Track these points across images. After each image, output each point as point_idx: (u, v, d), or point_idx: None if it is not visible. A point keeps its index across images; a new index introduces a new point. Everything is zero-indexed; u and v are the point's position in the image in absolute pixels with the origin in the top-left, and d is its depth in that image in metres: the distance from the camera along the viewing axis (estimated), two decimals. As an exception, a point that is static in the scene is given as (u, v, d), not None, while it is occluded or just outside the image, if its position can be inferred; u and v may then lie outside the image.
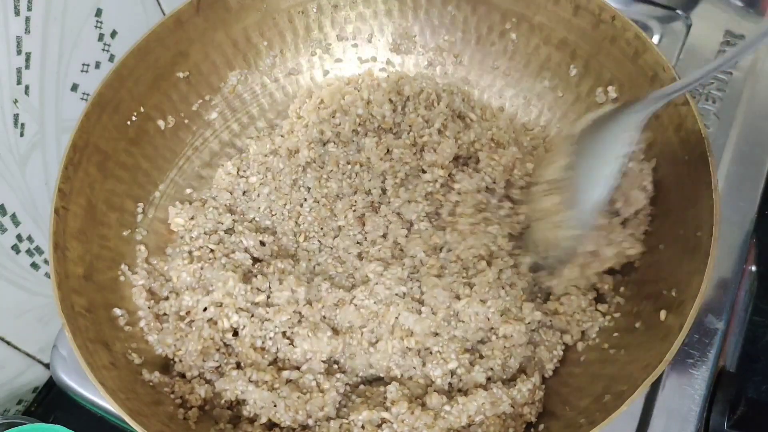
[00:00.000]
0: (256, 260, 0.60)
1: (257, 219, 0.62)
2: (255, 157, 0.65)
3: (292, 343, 0.54)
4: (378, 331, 0.54)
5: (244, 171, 0.65)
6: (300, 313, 0.55)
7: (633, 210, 0.55)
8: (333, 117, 0.65)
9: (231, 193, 0.64)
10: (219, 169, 0.65)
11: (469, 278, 0.56)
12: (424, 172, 0.62)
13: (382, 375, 0.54)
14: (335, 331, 0.55)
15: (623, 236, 0.55)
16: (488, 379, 0.52)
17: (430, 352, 0.53)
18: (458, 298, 0.55)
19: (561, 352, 0.54)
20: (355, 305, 0.55)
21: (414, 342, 0.53)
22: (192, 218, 0.61)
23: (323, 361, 0.53)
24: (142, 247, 0.59)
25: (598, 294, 0.56)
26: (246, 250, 0.59)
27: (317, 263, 0.60)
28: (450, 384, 0.53)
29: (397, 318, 0.54)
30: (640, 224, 0.55)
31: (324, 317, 0.55)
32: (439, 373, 0.52)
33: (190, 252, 0.59)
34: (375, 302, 0.55)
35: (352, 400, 0.52)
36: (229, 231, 0.61)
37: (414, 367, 0.53)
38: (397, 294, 0.55)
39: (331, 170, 0.63)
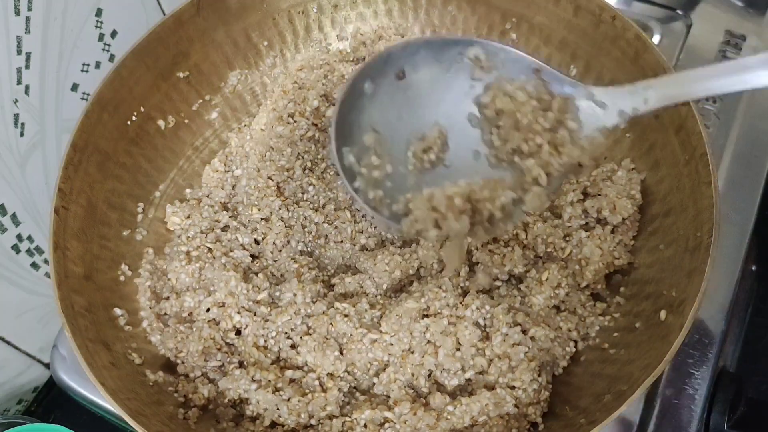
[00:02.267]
0: (254, 257, 0.60)
1: (246, 215, 0.62)
2: (237, 150, 0.65)
3: (294, 348, 0.54)
4: (391, 361, 0.53)
5: (229, 166, 0.65)
6: (307, 324, 0.54)
7: (620, 218, 0.55)
8: (297, 97, 0.65)
9: (223, 189, 0.64)
10: (206, 167, 0.65)
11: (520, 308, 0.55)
12: None
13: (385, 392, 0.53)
14: (342, 351, 0.53)
15: (613, 245, 0.55)
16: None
17: (444, 369, 0.52)
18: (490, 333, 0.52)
19: (573, 348, 0.54)
20: (374, 342, 0.52)
21: (427, 371, 0.52)
22: (188, 217, 0.61)
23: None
24: (150, 250, 0.59)
25: (593, 293, 0.57)
26: (243, 247, 0.59)
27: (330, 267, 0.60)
28: (459, 386, 0.52)
29: (419, 364, 0.52)
30: (629, 230, 0.56)
31: (335, 338, 0.54)
32: (455, 383, 0.51)
33: (187, 252, 0.58)
34: (396, 345, 0.52)
35: (355, 397, 0.52)
36: (226, 228, 0.61)
37: (423, 387, 0.52)
38: (419, 339, 0.52)
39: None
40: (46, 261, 0.67)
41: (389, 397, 0.52)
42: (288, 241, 0.60)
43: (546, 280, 0.55)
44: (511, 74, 0.48)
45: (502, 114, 0.47)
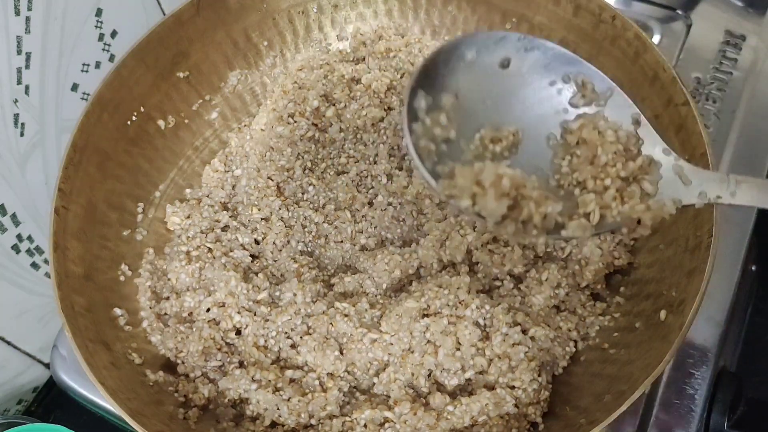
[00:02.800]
0: (254, 257, 0.60)
1: (246, 215, 0.62)
2: (236, 150, 0.65)
3: (294, 348, 0.54)
4: (391, 360, 0.53)
5: (229, 166, 0.65)
6: (308, 324, 0.54)
7: None
8: (297, 97, 0.65)
9: (223, 189, 0.64)
10: (206, 167, 0.65)
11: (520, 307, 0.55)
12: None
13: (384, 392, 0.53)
14: (342, 351, 0.53)
15: (612, 245, 0.55)
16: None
17: (444, 368, 0.52)
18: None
19: (573, 348, 0.54)
20: (374, 342, 0.53)
21: (427, 371, 0.52)
22: (188, 217, 0.61)
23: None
24: (150, 250, 0.59)
25: (593, 293, 0.57)
26: (243, 247, 0.59)
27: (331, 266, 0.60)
28: (459, 386, 0.52)
29: (419, 364, 0.52)
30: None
31: (335, 338, 0.54)
32: (455, 383, 0.51)
33: (187, 252, 0.58)
34: (396, 344, 0.52)
35: (355, 397, 0.52)
36: (226, 228, 0.61)
37: (423, 387, 0.52)
38: (419, 339, 0.52)
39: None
40: (46, 261, 0.67)
41: (389, 396, 0.52)
42: (288, 241, 0.60)
43: (546, 280, 0.55)
44: (610, 115, 0.47)
45: (583, 144, 0.46)
